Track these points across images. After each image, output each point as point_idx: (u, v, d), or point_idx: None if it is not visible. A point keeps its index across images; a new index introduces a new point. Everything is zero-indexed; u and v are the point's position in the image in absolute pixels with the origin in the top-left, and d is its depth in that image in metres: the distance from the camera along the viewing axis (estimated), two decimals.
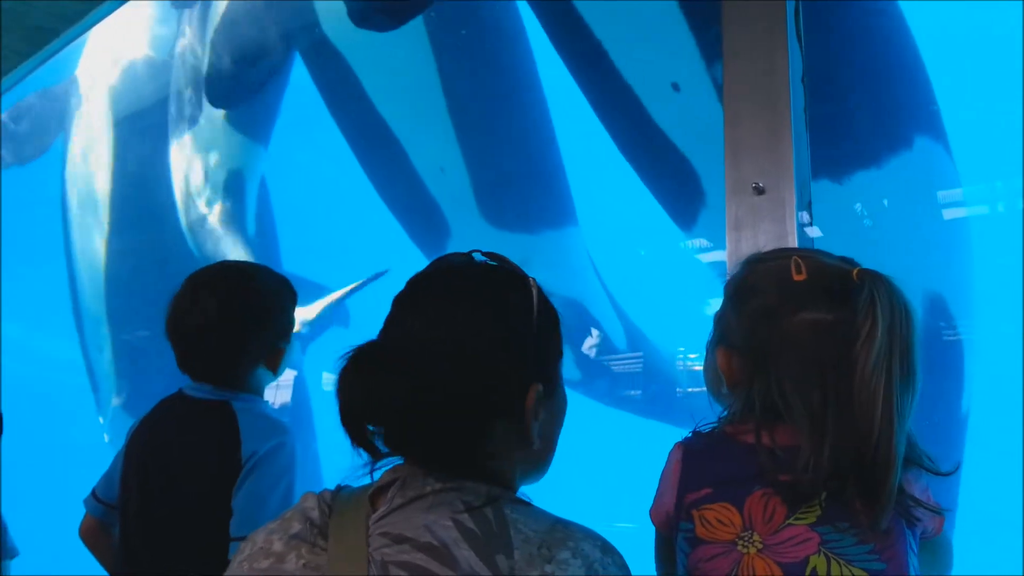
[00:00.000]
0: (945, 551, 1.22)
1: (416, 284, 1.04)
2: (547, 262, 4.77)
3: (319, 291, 5.57)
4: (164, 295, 1.67)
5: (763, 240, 1.58)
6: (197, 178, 5.21)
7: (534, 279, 1.05)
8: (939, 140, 3.70)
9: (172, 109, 5.36)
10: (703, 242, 3.75)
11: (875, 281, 1.11)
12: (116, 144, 5.87)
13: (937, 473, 1.14)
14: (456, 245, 4.65)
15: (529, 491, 1.01)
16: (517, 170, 4.72)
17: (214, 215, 5.14)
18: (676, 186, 3.86)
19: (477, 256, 1.07)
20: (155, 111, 5.54)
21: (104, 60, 5.99)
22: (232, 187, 5.21)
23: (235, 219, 5.19)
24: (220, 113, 5.11)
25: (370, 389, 0.95)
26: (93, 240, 5.93)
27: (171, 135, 5.38)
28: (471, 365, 0.95)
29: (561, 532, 0.91)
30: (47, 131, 6.26)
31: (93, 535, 1.73)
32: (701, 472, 1.14)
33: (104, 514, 1.71)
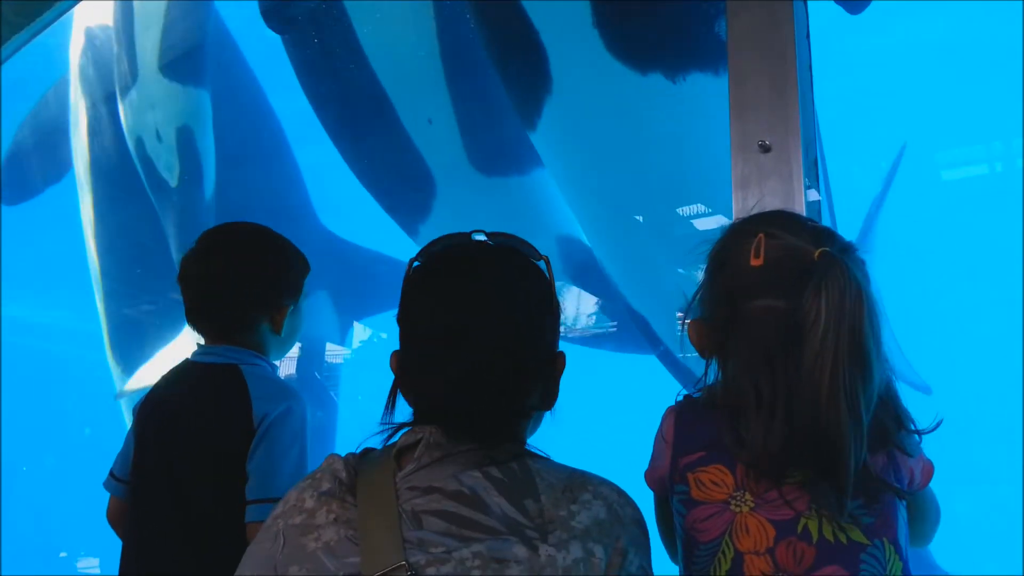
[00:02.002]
0: (930, 504, 1.24)
1: (443, 269, 1.08)
2: (542, 200, 4.37)
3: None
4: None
5: (769, 199, 1.58)
6: (149, 139, 4.95)
7: (547, 257, 1.13)
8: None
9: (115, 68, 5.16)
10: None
11: (828, 265, 1.09)
12: (90, 112, 5.73)
13: (906, 454, 1.14)
14: (444, 199, 4.34)
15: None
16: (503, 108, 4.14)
17: (172, 177, 4.90)
18: (523, 67, 3.18)
19: (479, 236, 1.12)
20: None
21: (79, 31, 5.83)
22: (185, 144, 4.88)
23: (193, 181, 4.92)
24: (155, 66, 4.75)
25: (446, 382, 1.01)
26: (87, 210, 5.85)
27: (119, 96, 5.12)
28: (521, 345, 1.03)
29: (580, 478, 1.02)
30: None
31: (121, 517, 1.72)
32: (693, 435, 1.16)
33: (125, 492, 1.72)
